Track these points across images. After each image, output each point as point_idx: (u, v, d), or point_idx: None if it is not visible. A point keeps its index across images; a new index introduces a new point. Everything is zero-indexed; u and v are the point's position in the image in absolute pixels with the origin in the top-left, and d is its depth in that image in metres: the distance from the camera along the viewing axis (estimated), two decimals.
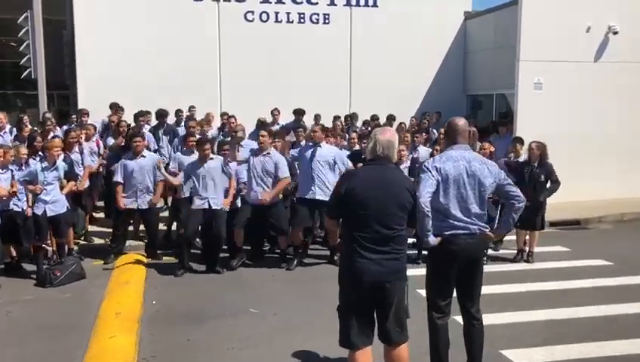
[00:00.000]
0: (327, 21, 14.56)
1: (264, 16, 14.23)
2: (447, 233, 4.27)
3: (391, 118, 12.63)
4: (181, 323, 5.94)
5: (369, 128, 11.25)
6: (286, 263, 8.00)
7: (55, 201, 7.38)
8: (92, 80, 13.01)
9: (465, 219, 4.26)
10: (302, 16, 14.43)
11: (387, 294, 3.83)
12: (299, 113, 11.77)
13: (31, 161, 7.36)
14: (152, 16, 13.42)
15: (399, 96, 14.08)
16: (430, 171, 4.26)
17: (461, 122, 4.45)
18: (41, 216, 7.27)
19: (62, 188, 7.55)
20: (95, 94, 12.55)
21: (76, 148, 8.71)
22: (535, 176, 8.18)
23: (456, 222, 4.25)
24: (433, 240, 4.27)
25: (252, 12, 14.15)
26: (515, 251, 8.58)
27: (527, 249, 8.50)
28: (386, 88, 14.09)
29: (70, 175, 7.95)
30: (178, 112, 11.73)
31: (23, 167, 7.22)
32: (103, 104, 11.56)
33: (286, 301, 6.61)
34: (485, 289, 4.62)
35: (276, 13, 14.30)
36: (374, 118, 12.58)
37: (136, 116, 10.61)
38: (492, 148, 8.36)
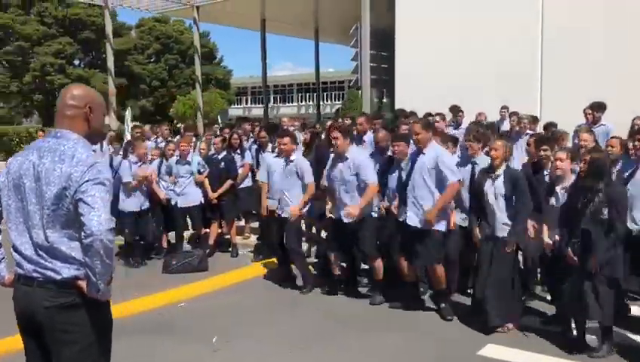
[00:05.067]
0: None
1: None
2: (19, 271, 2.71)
3: None
4: None
5: None
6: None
7: (184, 194, 7.90)
8: (408, 80, 12.83)
9: (22, 251, 2.57)
10: None
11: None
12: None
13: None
14: (467, 8, 12.18)
15: None
16: None
17: (70, 92, 2.63)
18: (174, 206, 7.96)
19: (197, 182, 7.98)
20: (410, 96, 12.16)
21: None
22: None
23: (15, 254, 2.63)
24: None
25: None
26: None
27: None
28: None
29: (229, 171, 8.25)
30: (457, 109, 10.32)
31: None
32: (416, 106, 10.58)
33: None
34: None
35: None
36: None
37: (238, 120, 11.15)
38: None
